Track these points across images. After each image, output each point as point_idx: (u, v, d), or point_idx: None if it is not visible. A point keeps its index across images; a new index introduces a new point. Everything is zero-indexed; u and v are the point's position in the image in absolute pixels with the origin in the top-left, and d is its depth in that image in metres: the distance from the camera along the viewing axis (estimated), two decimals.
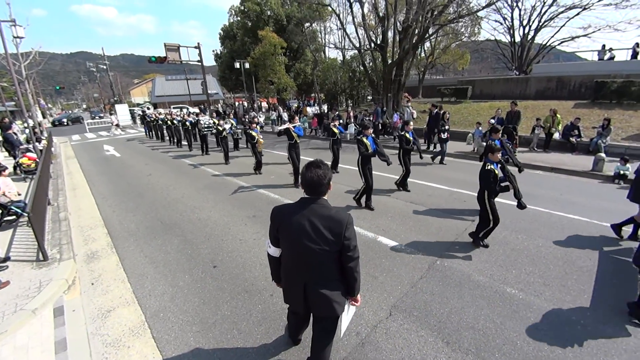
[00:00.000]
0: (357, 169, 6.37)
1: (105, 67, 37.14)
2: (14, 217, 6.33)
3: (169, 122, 16.57)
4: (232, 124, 12.72)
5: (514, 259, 4.37)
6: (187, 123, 15.14)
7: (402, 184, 7.49)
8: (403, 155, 7.19)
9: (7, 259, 4.90)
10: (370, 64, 20.38)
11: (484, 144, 10.72)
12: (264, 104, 32.38)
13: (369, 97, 25.90)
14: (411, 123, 7.30)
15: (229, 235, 5.48)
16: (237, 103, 34.23)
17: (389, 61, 17.38)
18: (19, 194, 7.34)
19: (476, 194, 4.77)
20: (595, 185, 7.76)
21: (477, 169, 9.09)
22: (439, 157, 10.12)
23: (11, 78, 12.60)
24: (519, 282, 3.85)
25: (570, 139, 10.77)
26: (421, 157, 7.77)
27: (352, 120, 15.48)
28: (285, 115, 20.45)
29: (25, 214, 5.68)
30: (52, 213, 7.03)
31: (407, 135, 7.07)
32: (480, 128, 11.11)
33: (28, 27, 14.94)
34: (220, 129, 11.66)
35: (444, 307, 3.44)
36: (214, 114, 18.50)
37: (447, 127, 9.92)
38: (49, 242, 5.51)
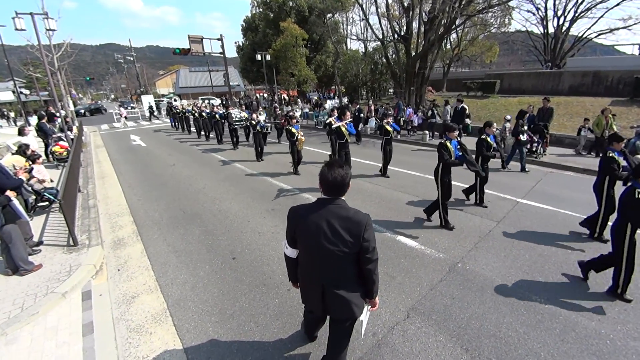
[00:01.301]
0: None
1: (132, 58, 38.25)
2: (47, 203, 6.67)
3: (196, 114, 16.15)
4: (264, 118, 11.97)
5: (541, 265, 4.17)
6: (217, 116, 14.41)
7: (473, 194, 6.32)
8: (481, 163, 6.03)
9: (40, 243, 5.18)
10: (393, 56, 19.93)
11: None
12: (284, 96, 32.40)
13: (391, 90, 25.40)
14: (494, 125, 6.03)
15: (248, 228, 5.56)
16: (257, 95, 34.45)
17: (413, 53, 16.93)
18: (52, 181, 7.73)
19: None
20: None
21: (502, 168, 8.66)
22: (508, 162, 8.61)
23: (44, 69, 13.19)
24: (545, 290, 3.68)
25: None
26: (504, 167, 6.17)
27: (373, 114, 15.23)
28: (328, 106, 18.74)
29: (57, 201, 5.98)
30: (82, 200, 7.36)
31: (489, 139, 5.87)
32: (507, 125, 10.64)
33: (60, 20, 15.51)
34: (254, 122, 10.59)
35: (464, 312, 3.34)
36: (243, 107, 17.91)
37: (525, 127, 8.49)
38: (79, 228, 5.78)
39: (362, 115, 14.16)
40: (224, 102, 27.58)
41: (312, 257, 2.12)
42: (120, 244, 5.32)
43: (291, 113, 10.73)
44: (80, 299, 3.94)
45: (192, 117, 17.29)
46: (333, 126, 7.37)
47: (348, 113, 7.50)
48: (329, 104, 22.02)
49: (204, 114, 15.54)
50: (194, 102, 26.69)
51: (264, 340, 3.12)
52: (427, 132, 12.84)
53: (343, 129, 7.25)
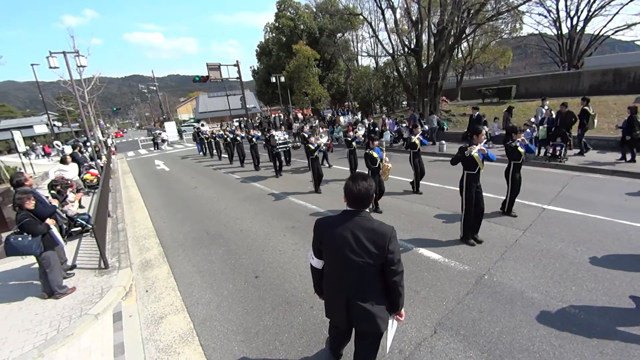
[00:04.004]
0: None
1: (155, 88, 40.40)
2: (79, 228, 7.02)
3: (228, 138, 14.94)
4: (325, 141, 10.36)
5: (573, 274, 3.98)
6: (254, 139, 12.75)
7: None
8: None
9: (74, 266, 5.44)
10: (405, 69, 20.08)
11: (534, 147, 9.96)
12: (299, 115, 33.10)
13: (404, 103, 25.45)
14: None
15: (269, 246, 5.63)
16: (273, 115, 35.31)
17: (424, 65, 17.00)
18: (83, 207, 8.17)
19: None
20: None
21: (525, 175, 8.48)
22: None
23: (76, 102, 14.19)
24: (579, 300, 3.50)
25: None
26: None
27: (387, 127, 15.26)
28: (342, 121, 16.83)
29: (90, 226, 6.29)
30: (112, 224, 7.70)
31: None
32: (529, 130, 10.35)
33: (89, 56, 16.74)
34: (312, 147, 8.53)
35: (494, 327, 3.22)
36: (283, 127, 14.54)
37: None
38: (109, 252, 6.03)
39: (377, 128, 14.24)
40: (245, 125, 28.08)
41: (337, 269, 2.15)
42: (148, 265, 5.50)
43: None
44: (111, 320, 4.08)
45: (222, 141, 16.41)
46: (471, 153, 4.66)
47: (483, 132, 4.97)
48: (342, 120, 22.25)
49: (238, 137, 14.16)
50: (224, 124, 27.35)
51: (289, 358, 3.11)
52: (443, 142, 12.70)
53: (475, 155, 4.68)
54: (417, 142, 7.47)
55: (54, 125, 32.45)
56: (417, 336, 3.19)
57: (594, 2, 21.04)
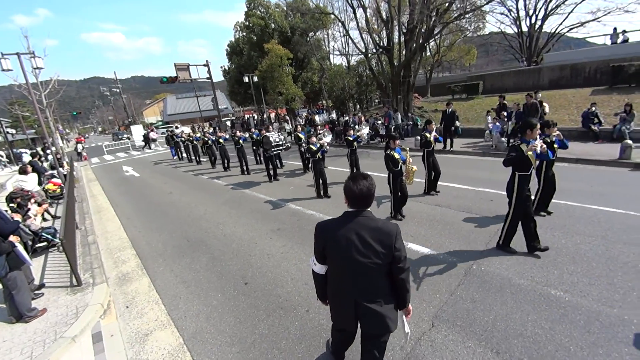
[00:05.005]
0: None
1: (118, 90, 38.36)
2: (45, 243, 6.48)
3: (209, 141, 14.00)
4: (329, 140, 9.41)
5: (553, 258, 4.19)
6: (241, 141, 11.78)
7: None
8: None
9: (42, 285, 5.01)
10: (377, 67, 20.34)
11: (504, 140, 10.47)
12: (273, 115, 32.69)
13: (377, 100, 25.86)
14: None
15: (256, 250, 5.47)
16: (246, 116, 34.68)
17: (396, 63, 17.33)
18: (51, 218, 7.57)
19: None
20: (626, 174, 7.44)
21: (497, 167, 8.81)
22: None
23: (33, 107, 13.12)
24: (562, 283, 3.68)
25: (592, 127, 10.41)
26: None
27: (364, 124, 15.41)
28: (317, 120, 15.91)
29: (57, 240, 5.82)
30: (81, 237, 7.18)
31: None
32: (497, 123, 10.86)
33: (45, 58, 15.53)
34: (314, 148, 7.71)
35: (488, 315, 3.30)
36: (271, 127, 13.61)
37: None
38: (81, 267, 5.61)
39: (355, 126, 14.34)
40: (217, 127, 27.36)
41: (343, 272, 2.09)
42: (126, 279, 5.17)
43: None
44: (91, 342, 3.79)
45: (200, 144, 15.43)
46: (534, 150, 4.06)
47: (538, 125, 4.38)
48: (317, 119, 22.25)
49: (221, 140, 13.15)
50: (199, 126, 26.69)
51: None
52: (418, 137, 13.02)
53: (530, 153, 4.06)
54: (432, 140, 6.87)
55: (8, 132, 29.94)
56: (417, 331, 3.21)
57: (550, 1, 22.39)
